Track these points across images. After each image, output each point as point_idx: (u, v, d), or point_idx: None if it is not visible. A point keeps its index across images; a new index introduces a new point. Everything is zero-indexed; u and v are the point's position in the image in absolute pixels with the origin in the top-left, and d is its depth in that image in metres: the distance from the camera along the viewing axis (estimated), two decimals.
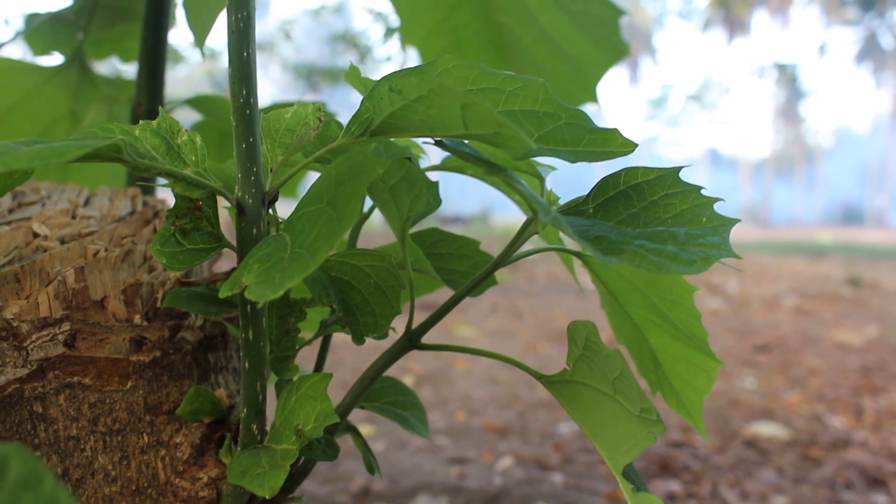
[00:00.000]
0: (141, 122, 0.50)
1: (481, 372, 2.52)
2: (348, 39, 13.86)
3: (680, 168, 0.47)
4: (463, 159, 0.48)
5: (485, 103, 0.36)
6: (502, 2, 1.09)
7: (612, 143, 0.45)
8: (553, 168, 0.59)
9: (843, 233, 28.26)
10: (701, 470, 1.55)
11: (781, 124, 50.98)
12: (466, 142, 0.50)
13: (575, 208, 0.49)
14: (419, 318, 0.58)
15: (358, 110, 0.48)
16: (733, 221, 0.44)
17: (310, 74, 14.84)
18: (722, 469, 1.57)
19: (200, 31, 0.78)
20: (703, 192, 0.46)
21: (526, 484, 1.43)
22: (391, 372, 2.13)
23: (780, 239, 19.46)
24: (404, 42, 1.14)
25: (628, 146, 0.46)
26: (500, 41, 1.11)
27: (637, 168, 0.48)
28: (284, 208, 0.54)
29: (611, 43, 1.08)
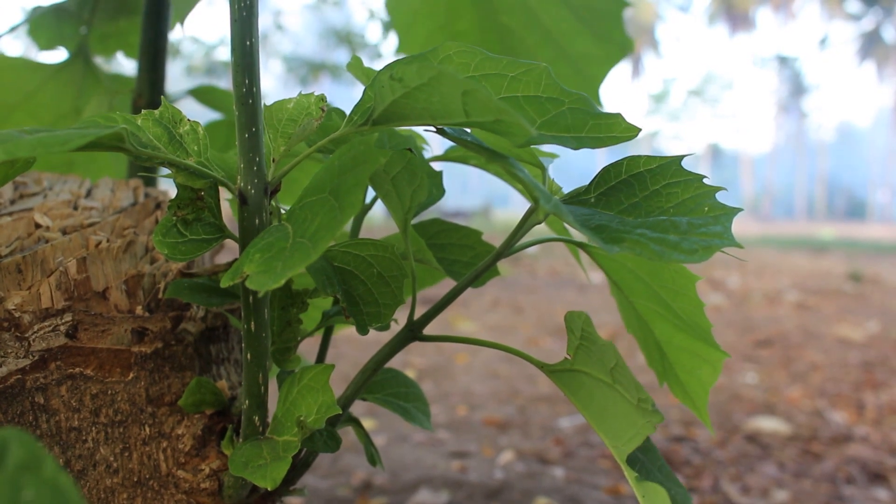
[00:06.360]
0: (143, 111, 0.50)
1: (482, 366, 2.52)
2: (342, 36, 13.85)
3: (682, 157, 0.47)
4: (464, 147, 0.48)
5: (485, 90, 0.36)
6: (506, 3, 1.07)
7: (615, 128, 0.45)
8: (556, 156, 0.58)
9: (845, 228, 28.24)
10: (702, 464, 1.55)
11: (783, 119, 50.88)
12: (468, 130, 0.50)
13: (577, 197, 0.48)
14: (420, 312, 0.58)
15: (360, 99, 0.47)
16: (735, 210, 0.44)
17: (299, 68, 14.87)
18: (723, 463, 1.57)
19: (182, 8, 0.78)
20: (705, 181, 0.46)
21: (527, 478, 1.43)
22: (393, 366, 2.13)
23: (782, 234, 19.45)
24: (401, 52, 1.13)
25: (632, 131, 0.45)
26: (501, 48, 1.10)
27: (639, 157, 0.48)
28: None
29: (614, 39, 1.06)
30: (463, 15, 1.09)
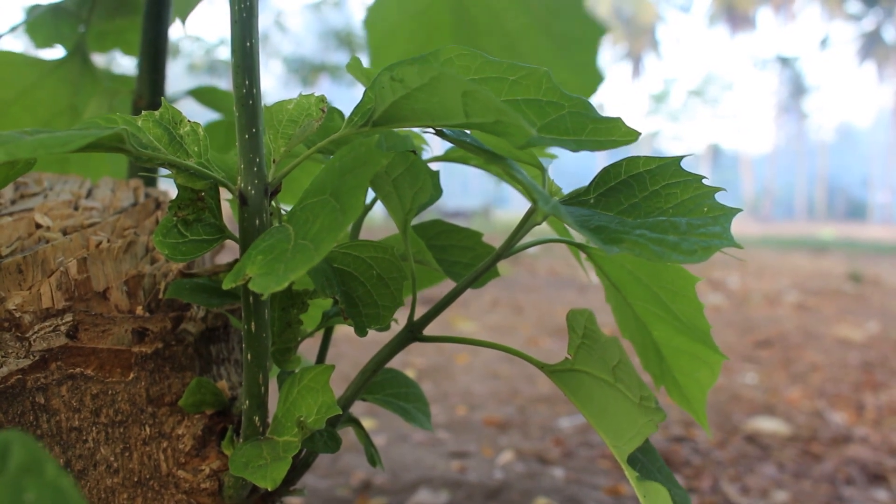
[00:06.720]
0: (144, 112, 0.50)
1: (482, 366, 2.52)
2: (342, 37, 13.89)
3: (681, 157, 0.47)
4: (463, 149, 0.48)
5: (486, 91, 0.36)
6: (485, 26, 1.06)
7: (615, 132, 0.45)
8: (554, 156, 0.58)
9: (845, 228, 28.24)
10: (702, 465, 1.55)
11: (783, 120, 50.89)
12: (468, 132, 0.50)
13: (576, 198, 0.49)
14: (420, 313, 0.58)
15: (360, 100, 0.47)
16: (735, 211, 0.44)
17: (300, 69, 14.92)
18: (723, 464, 1.57)
19: (183, 7, 0.79)
20: (704, 181, 0.46)
21: (526, 478, 1.43)
22: (393, 366, 2.12)
23: (782, 234, 19.45)
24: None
25: (631, 135, 0.46)
26: None
27: (638, 157, 0.48)
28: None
29: (586, 72, 1.05)
30: (440, 37, 1.08)
